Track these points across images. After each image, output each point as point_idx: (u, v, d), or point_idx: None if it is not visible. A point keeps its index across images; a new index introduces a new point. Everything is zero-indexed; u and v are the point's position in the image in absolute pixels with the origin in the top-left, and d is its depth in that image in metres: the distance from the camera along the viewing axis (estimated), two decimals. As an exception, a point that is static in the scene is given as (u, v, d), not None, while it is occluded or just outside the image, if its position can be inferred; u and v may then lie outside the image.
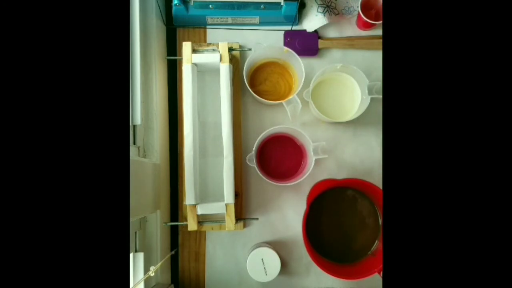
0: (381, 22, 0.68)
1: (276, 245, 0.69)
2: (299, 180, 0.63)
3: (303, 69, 0.63)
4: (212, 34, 0.73)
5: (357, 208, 0.67)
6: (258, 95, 0.66)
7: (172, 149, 0.71)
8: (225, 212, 0.62)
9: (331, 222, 0.68)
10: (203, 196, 0.68)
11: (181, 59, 0.65)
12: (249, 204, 0.70)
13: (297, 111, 0.65)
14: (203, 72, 0.70)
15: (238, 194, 0.68)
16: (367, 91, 0.65)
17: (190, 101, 0.63)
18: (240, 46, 0.71)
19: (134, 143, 0.63)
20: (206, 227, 0.68)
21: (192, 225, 0.62)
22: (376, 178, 0.69)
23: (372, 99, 0.64)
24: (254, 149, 0.64)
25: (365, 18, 0.67)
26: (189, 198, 0.62)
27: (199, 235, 0.70)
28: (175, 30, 0.73)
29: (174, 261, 0.70)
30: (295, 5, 0.68)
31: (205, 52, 0.66)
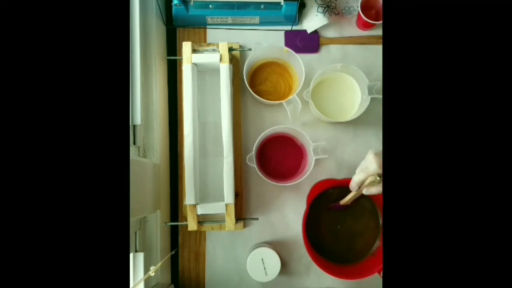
0: (381, 22, 0.68)
1: (276, 245, 0.69)
2: (299, 180, 0.63)
3: (303, 69, 0.63)
4: (212, 34, 0.73)
5: (357, 208, 0.67)
6: (258, 95, 0.66)
7: (172, 149, 0.71)
8: (225, 212, 0.62)
9: (331, 222, 0.68)
10: (203, 196, 0.68)
11: (181, 59, 0.65)
12: (249, 204, 0.70)
13: (297, 111, 0.65)
14: (203, 72, 0.70)
15: (238, 194, 0.68)
16: (367, 91, 0.65)
17: (190, 101, 0.63)
18: (240, 46, 0.71)
19: (134, 143, 0.63)
20: (206, 227, 0.68)
21: (192, 225, 0.62)
22: (376, 178, 0.69)
23: (372, 99, 0.64)
24: (254, 149, 0.64)
25: (365, 18, 0.67)
26: (189, 198, 0.62)
27: (199, 235, 0.70)
28: (175, 30, 0.73)
29: (174, 261, 0.70)
30: (295, 5, 0.68)
31: (205, 52, 0.66)
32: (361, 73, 0.65)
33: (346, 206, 0.64)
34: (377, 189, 0.55)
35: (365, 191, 0.56)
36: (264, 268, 0.63)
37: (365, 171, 0.54)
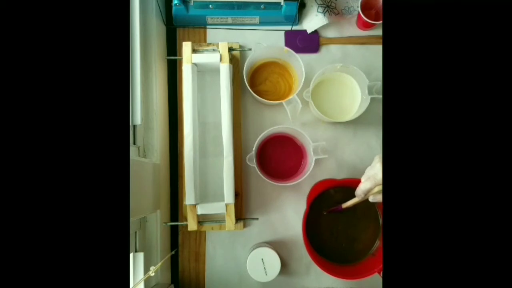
0: (381, 22, 0.68)
1: (276, 245, 0.69)
2: (299, 180, 0.63)
3: (303, 69, 0.63)
4: (212, 34, 0.73)
5: (357, 209, 0.67)
6: (258, 95, 0.66)
7: (172, 149, 0.71)
8: (225, 212, 0.62)
9: (331, 222, 0.68)
10: (203, 196, 0.68)
11: (181, 59, 0.65)
12: (249, 204, 0.70)
13: (297, 111, 0.65)
14: (203, 72, 0.70)
15: (238, 194, 0.68)
16: (367, 91, 0.65)
17: (190, 101, 0.63)
18: (240, 46, 0.71)
19: (134, 143, 0.63)
20: (206, 227, 0.68)
21: (192, 225, 0.62)
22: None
23: (372, 99, 0.64)
24: (254, 149, 0.64)
25: (365, 18, 0.67)
26: (189, 198, 0.62)
27: (199, 235, 0.70)
28: (175, 30, 0.73)
29: (174, 261, 0.70)
30: (295, 5, 0.68)
31: (205, 52, 0.66)
32: (361, 73, 0.65)
33: (347, 209, 0.64)
34: None
35: (371, 199, 0.56)
36: (264, 268, 0.63)
37: (372, 179, 0.54)
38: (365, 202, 0.62)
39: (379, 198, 0.55)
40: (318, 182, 0.67)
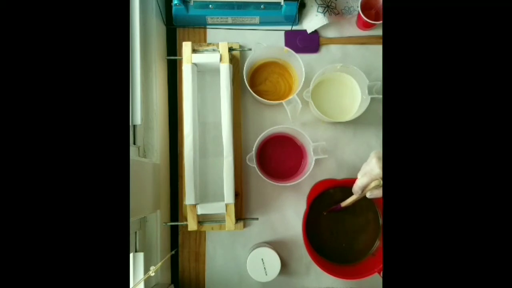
0: (381, 22, 0.68)
1: (276, 245, 0.69)
2: (299, 180, 0.63)
3: (303, 69, 0.63)
4: (212, 34, 0.73)
5: (357, 208, 0.67)
6: (258, 95, 0.66)
7: (172, 149, 0.71)
8: (225, 212, 0.62)
9: (331, 222, 0.68)
10: (203, 196, 0.68)
11: (181, 59, 0.65)
12: (249, 204, 0.70)
13: (297, 111, 0.65)
14: (203, 72, 0.70)
15: (238, 194, 0.68)
16: (367, 91, 0.65)
17: (190, 101, 0.63)
18: (240, 46, 0.71)
19: (134, 143, 0.63)
20: (206, 227, 0.68)
21: (192, 225, 0.62)
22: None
23: (372, 99, 0.64)
24: (254, 149, 0.64)
25: (365, 18, 0.67)
26: (189, 198, 0.62)
27: (199, 235, 0.70)
28: (175, 30, 0.73)
29: (174, 261, 0.70)
30: (295, 5, 0.68)
31: (205, 52, 0.66)
32: (361, 73, 0.65)
33: (346, 208, 0.64)
34: (380, 192, 0.55)
35: (368, 195, 0.56)
36: (264, 268, 0.63)
37: (368, 175, 0.54)
38: (364, 202, 0.62)
39: (376, 193, 0.55)
40: (318, 182, 0.67)
